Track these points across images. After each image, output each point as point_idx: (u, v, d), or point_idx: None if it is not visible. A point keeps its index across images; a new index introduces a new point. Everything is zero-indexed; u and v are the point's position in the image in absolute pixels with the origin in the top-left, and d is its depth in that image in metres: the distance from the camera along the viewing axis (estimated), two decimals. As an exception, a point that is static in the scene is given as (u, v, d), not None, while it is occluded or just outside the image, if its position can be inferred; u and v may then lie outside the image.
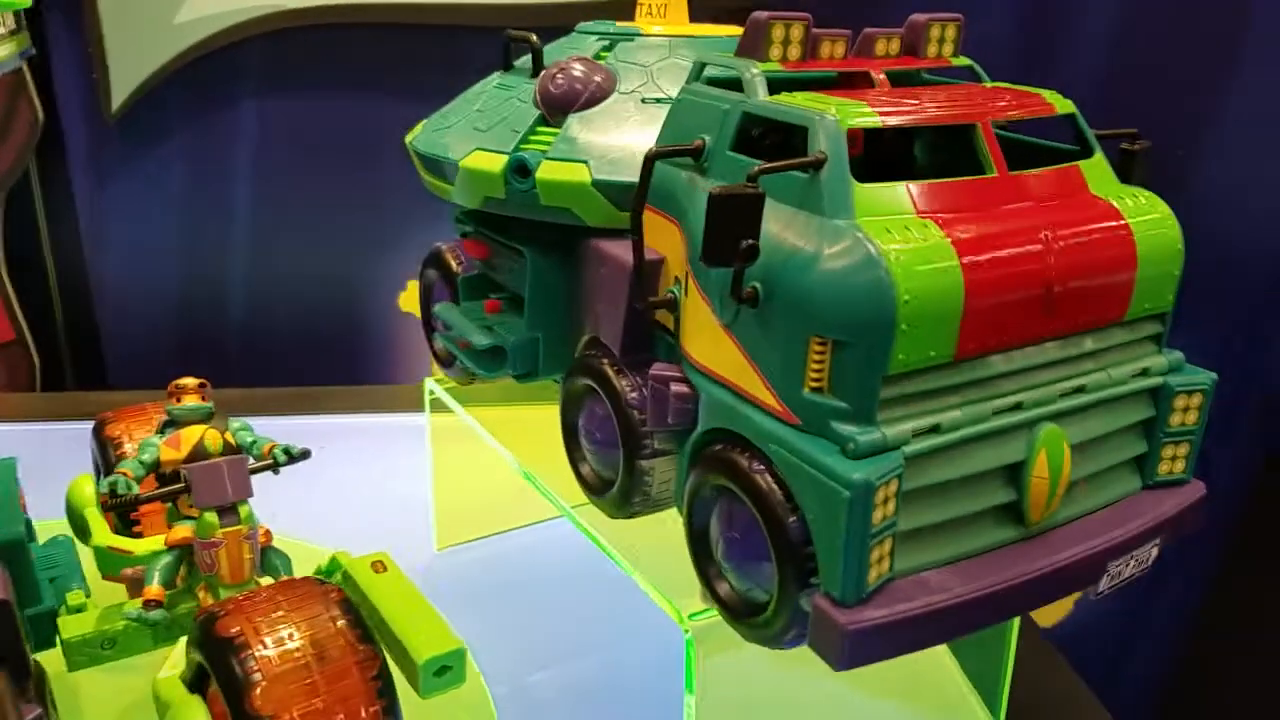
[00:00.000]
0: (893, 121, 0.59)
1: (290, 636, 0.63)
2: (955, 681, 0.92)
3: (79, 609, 0.75)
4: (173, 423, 0.80)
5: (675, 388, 0.66)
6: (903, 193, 0.57)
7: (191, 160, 1.83)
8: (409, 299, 1.87)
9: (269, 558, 0.78)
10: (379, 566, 0.76)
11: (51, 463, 0.95)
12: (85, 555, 0.86)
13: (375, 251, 1.85)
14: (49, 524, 0.92)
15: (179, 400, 0.79)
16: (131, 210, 1.81)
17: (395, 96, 1.76)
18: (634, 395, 0.71)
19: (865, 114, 0.59)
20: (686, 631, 0.66)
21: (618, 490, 0.75)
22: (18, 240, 1.79)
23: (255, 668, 0.61)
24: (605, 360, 0.74)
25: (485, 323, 0.87)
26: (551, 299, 0.82)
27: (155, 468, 0.78)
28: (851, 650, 0.54)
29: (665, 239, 0.69)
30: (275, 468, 0.78)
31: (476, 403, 1.02)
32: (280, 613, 0.64)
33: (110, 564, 0.84)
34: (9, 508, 0.75)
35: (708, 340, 0.64)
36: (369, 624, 0.67)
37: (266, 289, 1.83)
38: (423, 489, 1.20)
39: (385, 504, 1.24)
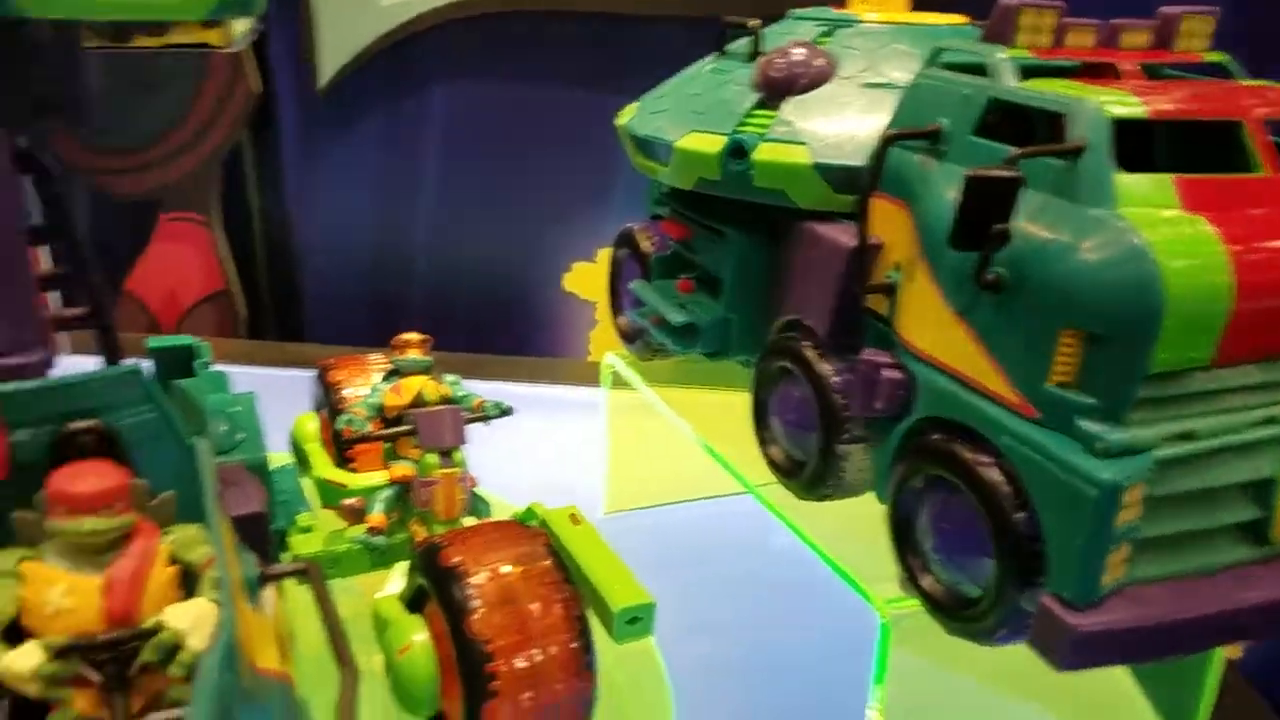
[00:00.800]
0: (1162, 109, 0.56)
1: (504, 571, 0.66)
2: (1141, 713, 0.87)
3: (307, 529, 0.81)
4: (396, 372, 0.85)
5: (887, 373, 0.65)
6: (1168, 185, 0.54)
7: (386, 135, 1.92)
8: (573, 280, 1.91)
9: (474, 501, 0.82)
10: (574, 519, 0.78)
11: (268, 402, 1.02)
12: (305, 486, 0.92)
13: (545, 233, 1.89)
14: (271, 455, 0.99)
15: (403, 352, 0.84)
16: (332, 179, 1.92)
17: (578, 84, 1.80)
18: (838, 380, 0.71)
19: (1129, 103, 0.56)
20: (884, 619, 0.65)
21: (810, 473, 0.74)
22: (231, 201, 1.93)
23: (474, 595, 0.63)
24: (807, 343, 0.74)
25: (678, 301, 0.88)
26: (750, 280, 0.82)
27: (380, 411, 0.83)
28: (1078, 653, 0.52)
29: (888, 223, 0.68)
30: (486, 419, 0.82)
31: (654, 380, 1.03)
32: (495, 549, 0.67)
33: (329, 495, 0.90)
34: (256, 433, 0.81)
35: (933, 326, 0.62)
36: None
37: (447, 261, 1.90)
38: (586, 456, 1.23)
39: (550, 468, 1.27)
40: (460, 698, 0.63)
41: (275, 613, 0.54)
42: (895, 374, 0.65)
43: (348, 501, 0.88)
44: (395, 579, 0.75)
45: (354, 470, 0.92)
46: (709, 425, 0.95)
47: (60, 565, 0.52)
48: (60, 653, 0.48)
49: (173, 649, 0.50)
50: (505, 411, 0.83)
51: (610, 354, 1.08)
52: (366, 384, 0.96)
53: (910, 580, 0.64)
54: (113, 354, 0.81)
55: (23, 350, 0.58)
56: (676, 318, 0.84)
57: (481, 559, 0.66)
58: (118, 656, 0.50)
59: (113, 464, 0.55)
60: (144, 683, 0.51)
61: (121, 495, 0.53)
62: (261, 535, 0.66)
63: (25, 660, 0.48)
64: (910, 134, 0.65)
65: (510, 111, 1.87)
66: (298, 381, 1.05)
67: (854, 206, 0.71)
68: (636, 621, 0.69)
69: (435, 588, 0.66)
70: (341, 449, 0.92)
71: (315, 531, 0.81)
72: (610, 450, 1.14)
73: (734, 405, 0.90)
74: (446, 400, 0.85)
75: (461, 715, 0.63)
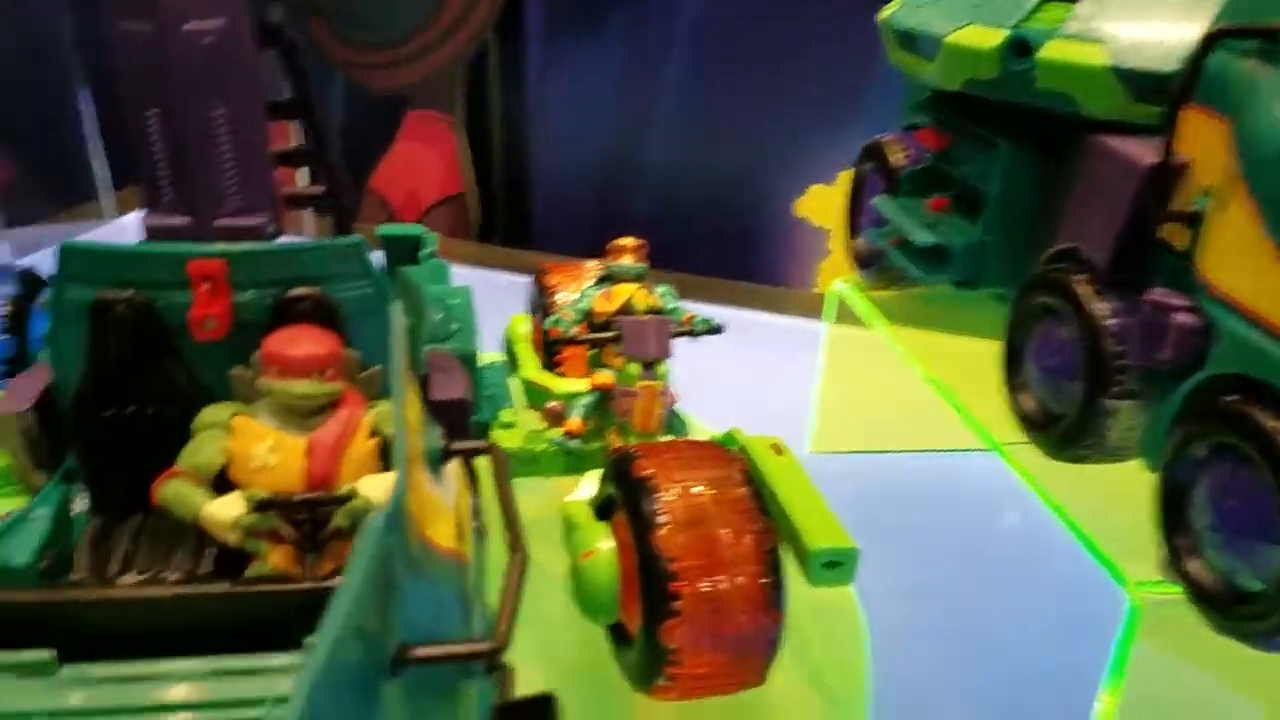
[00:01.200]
0: None
1: (696, 491, 0.62)
2: None
3: (509, 425, 0.81)
4: (609, 278, 0.83)
5: (1180, 318, 0.54)
6: None
7: (631, 40, 1.90)
8: (807, 204, 1.82)
9: (672, 419, 0.79)
10: (776, 449, 0.73)
11: (488, 303, 1.03)
12: (512, 386, 0.93)
13: (784, 151, 1.81)
14: (484, 355, 1.01)
15: (617, 258, 0.81)
16: (571, 90, 1.93)
17: (811, 11, 1.68)
18: (1114, 322, 0.60)
19: None
20: (1134, 602, 0.56)
21: (1066, 428, 0.64)
22: (474, 104, 1.98)
23: (663, 510, 0.60)
24: (1080, 277, 0.63)
25: (927, 220, 0.79)
26: (1018, 199, 0.71)
27: (588, 316, 0.81)
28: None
29: (1200, 140, 0.56)
30: (693, 334, 0.78)
31: (884, 314, 0.95)
32: (690, 467, 0.64)
33: (534, 396, 0.90)
34: (470, 325, 0.82)
35: (1248, 266, 0.51)
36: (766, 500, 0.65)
37: (676, 178, 1.87)
38: (801, 392, 1.17)
39: (763, 397, 1.22)
40: (640, 613, 0.61)
41: (459, 497, 0.54)
42: (1189, 319, 0.54)
43: (550, 404, 0.87)
44: (587, 484, 0.74)
45: (560, 374, 0.92)
46: (943, 370, 0.86)
47: (269, 423, 0.54)
48: (260, 506, 0.50)
49: (363, 517, 0.50)
50: (714, 329, 0.78)
51: (840, 280, 1.01)
52: (580, 290, 0.95)
53: (1174, 563, 0.54)
54: (343, 234, 0.85)
55: (251, 213, 0.60)
56: (924, 238, 0.75)
57: (674, 475, 0.63)
58: (313, 517, 0.51)
59: (328, 333, 0.56)
60: (335, 547, 0.52)
61: (333, 363, 0.54)
62: (463, 422, 0.66)
63: (228, 509, 0.50)
64: (1245, 31, 0.53)
65: (762, 16, 1.78)
66: (518, 287, 1.06)
67: (1157, 119, 0.59)
68: (835, 567, 0.64)
69: (624, 497, 0.63)
70: (550, 352, 0.92)
71: (516, 428, 0.81)
72: (824, 385, 1.07)
73: (972, 352, 0.81)
74: (655, 311, 0.81)
75: (640, 630, 0.61)
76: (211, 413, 0.55)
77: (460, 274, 1.58)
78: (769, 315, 1.56)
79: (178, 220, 0.58)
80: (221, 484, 0.53)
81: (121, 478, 0.60)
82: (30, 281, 0.87)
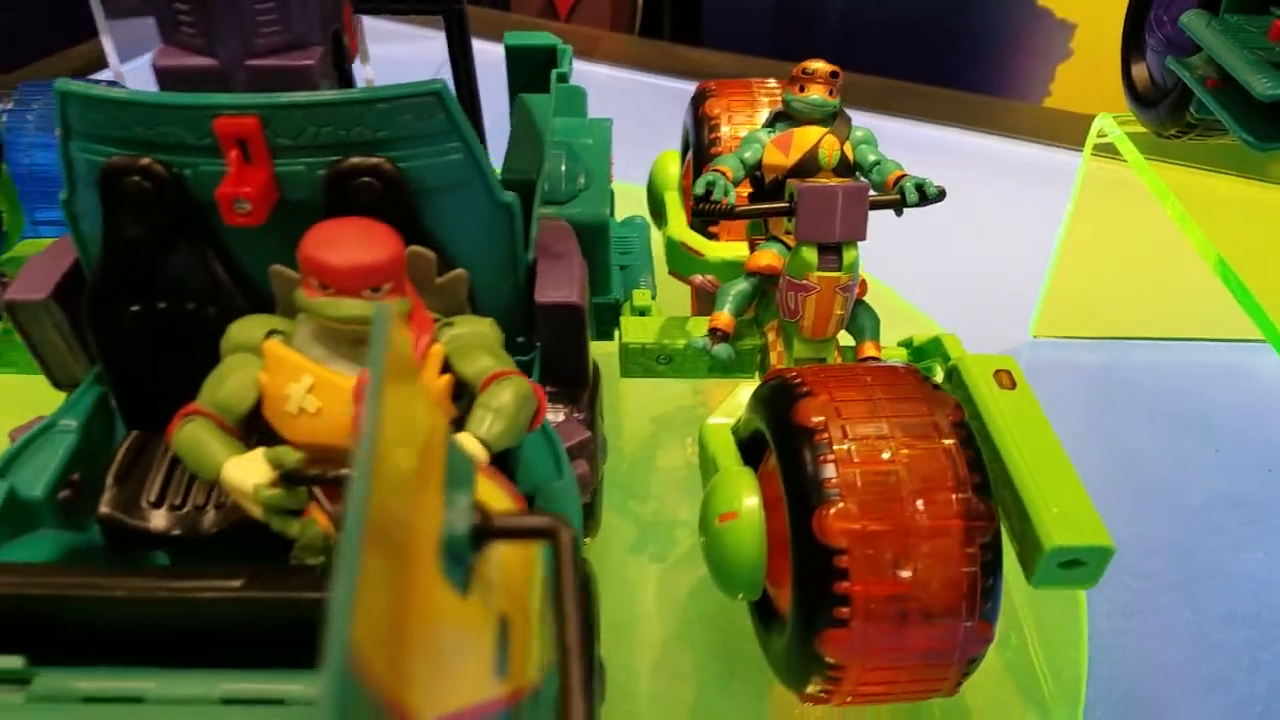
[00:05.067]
0: None
1: (886, 454, 0.46)
2: None
3: (643, 312, 0.67)
4: (786, 116, 0.63)
5: None
6: None
7: None
8: (1051, -8, 1.47)
9: (858, 315, 0.62)
10: (1004, 379, 0.55)
11: (642, 118, 0.86)
12: (655, 242, 0.78)
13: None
14: (629, 189, 0.85)
15: (802, 89, 0.61)
16: None
17: None
18: None
19: None
20: None
21: None
22: None
23: (834, 480, 0.45)
24: None
25: (1270, 55, 0.54)
26: None
27: (755, 169, 0.63)
28: None
29: None
30: (900, 207, 0.58)
31: (1168, 162, 0.71)
32: (879, 414, 0.48)
33: (679, 261, 0.74)
34: (603, 180, 0.66)
35: None
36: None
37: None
38: (1021, 248, 0.95)
39: (967, 259, 1.01)
40: (793, 604, 0.47)
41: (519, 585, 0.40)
42: None
43: (698, 277, 0.71)
44: (734, 401, 0.59)
45: (713, 236, 0.75)
46: (1234, 252, 0.64)
47: (311, 351, 0.42)
48: (286, 479, 0.38)
49: None
50: (933, 196, 0.59)
51: (1105, 117, 0.76)
52: (751, 122, 0.76)
53: None
54: (463, 48, 0.69)
55: (296, 49, 0.45)
56: (1265, 86, 0.51)
57: (853, 428, 0.47)
58: None
59: (385, 230, 0.41)
60: None
61: (394, 273, 0.41)
62: (573, 333, 0.52)
63: (247, 474, 0.39)
64: None
65: None
66: (680, 97, 0.87)
67: None
68: (1076, 567, 0.47)
69: (782, 448, 0.48)
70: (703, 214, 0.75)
71: (652, 317, 0.66)
72: (1062, 250, 0.85)
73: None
74: (847, 167, 0.62)
75: (791, 626, 0.48)
76: (243, 329, 0.43)
77: (612, 76, 1.37)
78: (988, 137, 1.29)
79: (198, 60, 0.44)
80: (256, 419, 0.43)
81: (152, 387, 0.50)
82: None
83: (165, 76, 0.44)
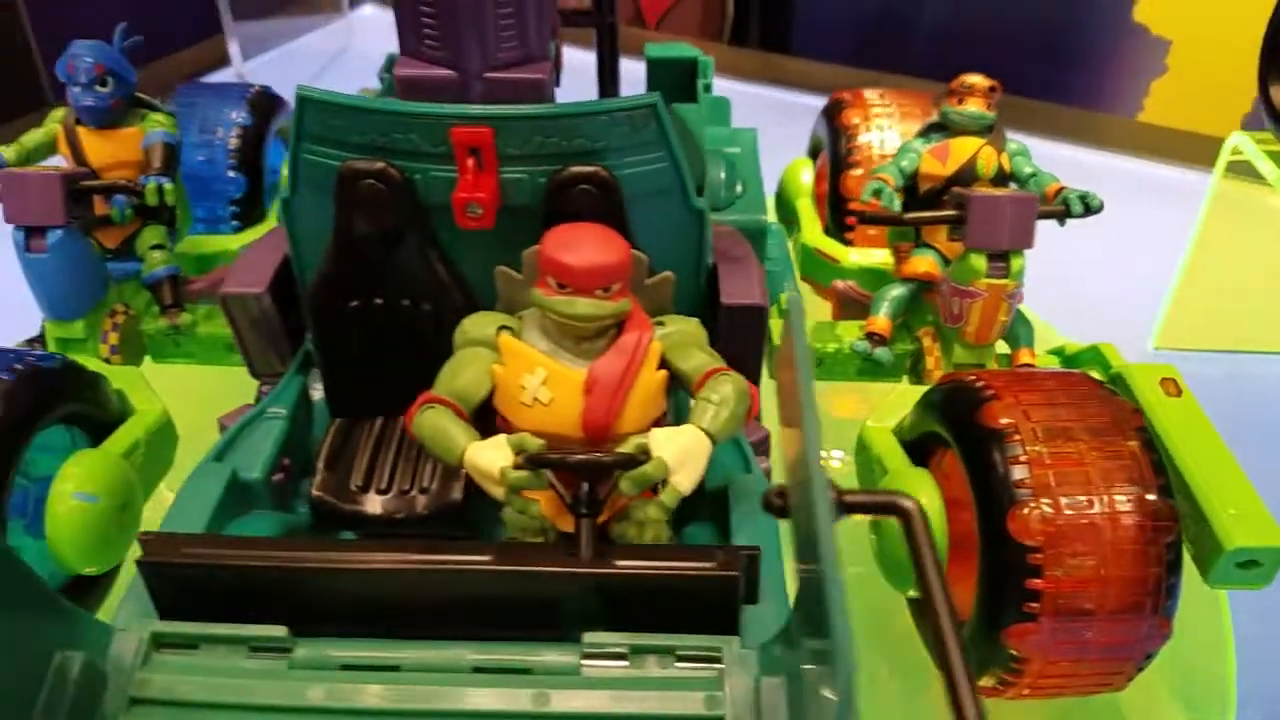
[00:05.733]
0: None
1: (1075, 455, 0.48)
2: None
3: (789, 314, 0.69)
4: (941, 127, 0.65)
5: None
6: None
7: None
8: (1152, 8, 1.47)
9: (1014, 322, 0.63)
10: (1170, 386, 0.56)
11: (739, 126, 0.87)
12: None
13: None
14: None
15: (960, 102, 0.63)
16: None
17: None
18: None
19: None
20: None
21: None
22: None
23: (1027, 480, 0.47)
24: None
25: None
26: None
27: (911, 178, 0.65)
28: None
29: None
30: (1064, 217, 0.60)
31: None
32: (1064, 421, 0.49)
33: (814, 268, 0.77)
34: (759, 185, 0.68)
35: None
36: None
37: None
38: (1128, 259, 0.96)
39: (1088, 263, 1.02)
40: (978, 600, 0.49)
41: None
42: None
43: (840, 284, 0.74)
44: (892, 404, 0.61)
45: (848, 242, 0.77)
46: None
47: (539, 346, 0.45)
48: (532, 462, 0.41)
49: (648, 483, 0.41)
50: (1095, 208, 0.60)
51: (1240, 134, 0.77)
52: (889, 132, 0.78)
53: None
54: (611, 59, 0.72)
55: (530, 64, 0.48)
56: None
57: (1043, 433, 0.49)
58: (593, 478, 0.42)
59: (615, 234, 0.44)
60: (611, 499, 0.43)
61: (624, 274, 0.44)
62: (759, 335, 0.54)
63: (494, 458, 0.42)
64: None
65: None
66: (780, 106, 0.89)
67: None
68: (1252, 568, 0.49)
69: (968, 449, 0.50)
70: (838, 211, 0.77)
71: (803, 321, 0.68)
72: (1190, 263, 0.86)
73: None
74: (1002, 177, 0.64)
75: (974, 621, 0.49)
76: (476, 324, 0.46)
77: (720, 89, 1.38)
78: (1079, 149, 1.30)
79: (439, 72, 0.47)
80: (481, 410, 0.46)
81: (363, 377, 0.54)
82: (264, 106, 0.81)
83: (406, 86, 0.48)
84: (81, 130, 0.64)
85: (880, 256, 0.74)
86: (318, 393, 0.57)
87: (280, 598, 0.41)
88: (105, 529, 0.54)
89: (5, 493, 0.50)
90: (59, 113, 0.65)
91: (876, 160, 0.76)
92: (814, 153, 0.86)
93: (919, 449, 0.57)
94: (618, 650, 0.40)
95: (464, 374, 0.45)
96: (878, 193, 0.61)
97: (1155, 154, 1.34)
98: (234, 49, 1.18)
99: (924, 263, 0.64)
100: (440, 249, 0.50)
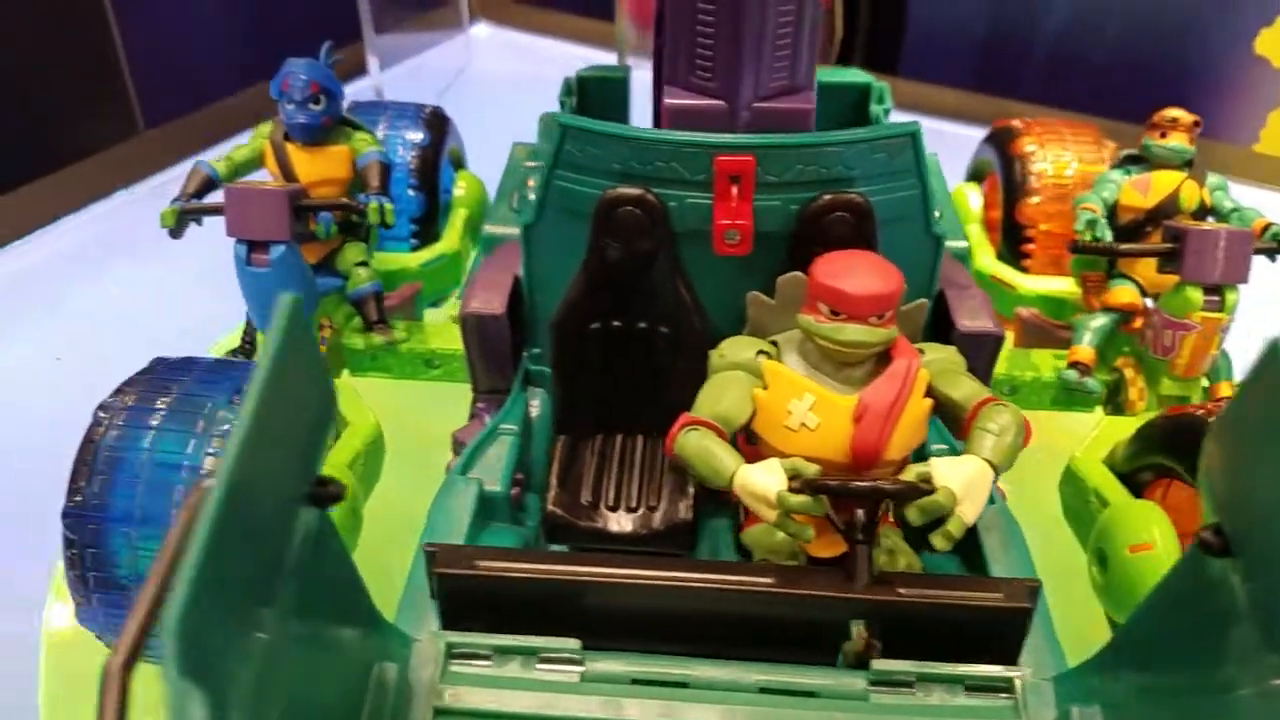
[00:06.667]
0: None
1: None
2: None
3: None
4: (1138, 160, 0.66)
5: None
6: None
7: None
8: (1272, 39, 1.46)
9: (1219, 359, 0.63)
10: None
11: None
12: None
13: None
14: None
15: (1163, 135, 0.64)
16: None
17: None
18: None
19: None
20: None
21: None
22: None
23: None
24: None
25: None
26: None
27: (1111, 211, 0.65)
28: None
29: None
30: (1275, 254, 0.60)
31: None
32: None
33: (990, 294, 0.77)
34: (951, 214, 0.69)
35: None
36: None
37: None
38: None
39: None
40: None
41: None
42: None
43: (1023, 311, 0.74)
44: (1101, 436, 0.61)
45: (1024, 269, 0.78)
46: None
47: (800, 369, 0.46)
48: (810, 487, 0.41)
49: (937, 513, 0.42)
50: (1305, 241, 0.60)
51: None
52: (1064, 160, 0.78)
53: None
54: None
55: (796, 93, 0.49)
56: None
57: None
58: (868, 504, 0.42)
59: (886, 262, 0.45)
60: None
61: (896, 302, 0.44)
62: (992, 360, 0.55)
63: (769, 482, 0.42)
64: None
65: None
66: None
67: None
68: None
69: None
70: (1014, 239, 0.77)
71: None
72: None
73: None
74: (1207, 213, 0.64)
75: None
76: (735, 348, 0.47)
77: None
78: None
79: (708, 102, 0.48)
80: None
81: (594, 396, 0.55)
82: (438, 126, 0.83)
83: (675, 115, 0.49)
84: (290, 147, 0.66)
85: (1058, 284, 0.75)
86: (534, 409, 0.58)
87: (568, 611, 0.42)
88: (337, 542, 0.56)
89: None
90: (265, 128, 0.67)
91: (1053, 189, 0.76)
92: (974, 178, 0.86)
93: (1129, 481, 0.57)
94: (905, 678, 0.40)
95: (727, 397, 0.45)
96: (1091, 224, 0.62)
97: (1271, 182, 1.33)
98: (373, 63, 1.21)
99: (1127, 293, 0.65)
100: (683, 273, 0.51)
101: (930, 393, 0.46)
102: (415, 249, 0.79)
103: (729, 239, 0.47)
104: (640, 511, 0.52)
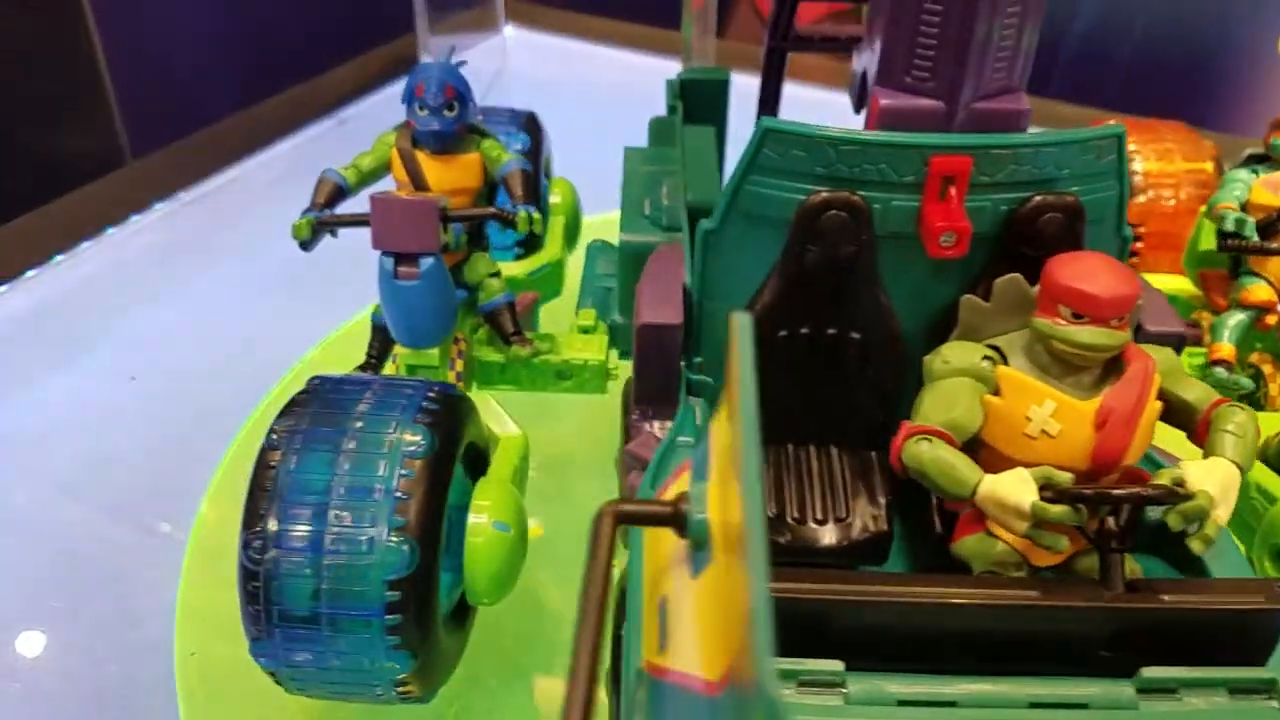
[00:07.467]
0: None
1: None
2: None
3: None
4: (1263, 159, 0.67)
5: None
6: None
7: None
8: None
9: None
10: None
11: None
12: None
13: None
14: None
15: (1287, 136, 0.65)
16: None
17: None
18: None
19: None
20: None
21: None
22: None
23: None
24: None
25: None
26: None
27: (1242, 207, 0.66)
28: None
29: None
30: None
31: None
32: None
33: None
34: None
35: None
36: None
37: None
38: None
39: None
40: None
41: None
42: None
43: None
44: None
45: (1133, 267, 0.78)
46: None
47: (1032, 374, 0.45)
48: (1064, 497, 0.41)
49: (1198, 517, 0.41)
50: None
51: None
52: (1164, 160, 0.79)
53: None
54: (777, 81, 0.73)
55: (1011, 94, 0.49)
56: None
57: None
58: (1117, 511, 0.42)
59: (1122, 264, 0.45)
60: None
61: (1134, 304, 0.44)
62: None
63: (1022, 493, 0.41)
64: None
65: None
66: None
67: None
68: None
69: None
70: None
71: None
72: None
73: None
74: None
75: None
76: (959, 353, 0.46)
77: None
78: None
79: (926, 103, 0.48)
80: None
81: (775, 405, 0.53)
82: (535, 131, 0.81)
83: (890, 116, 0.48)
84: (420, 154, 0.64)
85: (1170, 282, 0.75)
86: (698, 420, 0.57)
87: (827, 630, 0.41)
88: (514, 560, 0.54)
89: (442, 523, 0.50)
90: (390, 136, 0.65)
91: (1159, 186, 0.77)
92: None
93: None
94: (1169, 685, 0.40)
95: (960, 405, 0.45)
96: (1241, 223, 0.62)
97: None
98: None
99: (1263, 291, 0.66)
100: (880, 279, 0.50)
101: (1161, 395, 0.45)
102: (519, 258, 0.78)
103: (945, 241, 0.46)
104: (830, 523, 0.51)
